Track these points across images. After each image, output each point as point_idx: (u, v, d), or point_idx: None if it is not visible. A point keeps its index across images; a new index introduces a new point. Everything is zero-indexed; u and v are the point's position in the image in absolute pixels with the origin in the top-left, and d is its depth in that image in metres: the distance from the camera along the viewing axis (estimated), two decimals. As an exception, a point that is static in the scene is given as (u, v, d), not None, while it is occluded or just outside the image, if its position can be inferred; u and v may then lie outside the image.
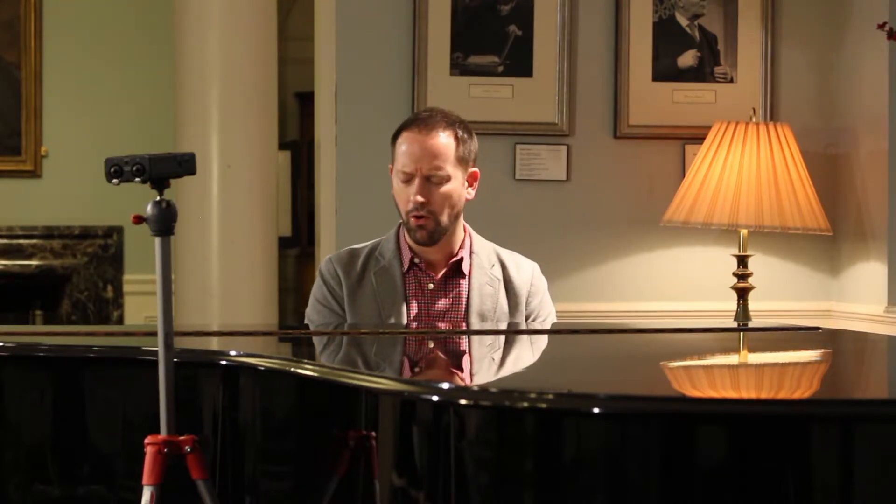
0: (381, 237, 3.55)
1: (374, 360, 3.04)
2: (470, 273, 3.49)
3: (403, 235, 3.51)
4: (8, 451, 3.00)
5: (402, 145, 3.44)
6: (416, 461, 2.44)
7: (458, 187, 3.44)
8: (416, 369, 2.96)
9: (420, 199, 3.40)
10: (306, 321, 3.54)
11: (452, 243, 3.49)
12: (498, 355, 3.10)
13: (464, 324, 3.45)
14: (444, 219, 3.42)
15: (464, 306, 3.47)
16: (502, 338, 3.38)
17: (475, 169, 3.48)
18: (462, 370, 2.93)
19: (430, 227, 3.42)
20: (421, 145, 3.42)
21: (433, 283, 3.48)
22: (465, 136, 3.46)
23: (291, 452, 2.89)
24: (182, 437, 2.61)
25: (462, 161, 3.44)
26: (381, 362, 3.04)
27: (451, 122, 3.46)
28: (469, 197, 3.48)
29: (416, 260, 3.49)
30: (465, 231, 3.52)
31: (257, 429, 2.85)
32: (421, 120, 3.46)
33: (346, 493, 2.68)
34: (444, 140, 3.43)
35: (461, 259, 3.49)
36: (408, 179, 3.42)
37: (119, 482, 2.93)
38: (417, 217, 3.41)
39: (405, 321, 3.45)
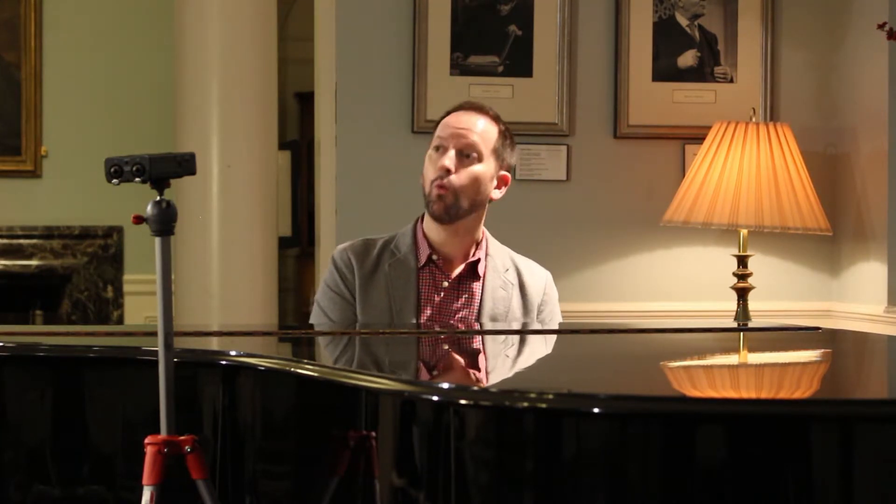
0: (398, 231, 3.50)
1: (376, 360, 3.04)
2: (484, 275, 3.45)
3: (422, 230, 3.46)
4: (8, 451, 2.99)
5: (444, 121, 3.41)
6: (416, 461, 2.44)
7: (487, 176, 3.39)
8: (418, 369, 2.96)
9: (447, 164, 3.35)
10: (315, 307, 3.50)
11: (472, 240, 3.45)
12: (498, 356, 3.10)
13: (476, 325, 3.43)
14: (465, 201, 3.36)
15: (476, 308, 3.44)
16: (503, 338, 3.37)
17: (508, 174, 3.44)
18: (462, 370, 2.93)
19: (448, 202, 3.35)
20: (463, 120, 3.39)
21: (448, 282, 3.44)
22: (509, 136, 3.44)
23: (291, 452, 2.89)
24: (182, 437, 2.61)
25: (498, 155, 3.40)
26: (382, 362, 3.04)
27: (499, 118, 3.44)
28: (495, 197, 3.42)
29: (434, 256, 3.43)
30: (482, 234, 3.49)
31: (257, 429, 2.85)
32: (472, 103, 3.46)
33: (346, 493, 2.68)
34: (488, 125, 3.41)
35: (478, 260, 3.45)
36: (440, 150, 3.38)
37: (119, 482, 2.93)
38: (439, 187, 3.36)
39: (416, 317, 3.42)
